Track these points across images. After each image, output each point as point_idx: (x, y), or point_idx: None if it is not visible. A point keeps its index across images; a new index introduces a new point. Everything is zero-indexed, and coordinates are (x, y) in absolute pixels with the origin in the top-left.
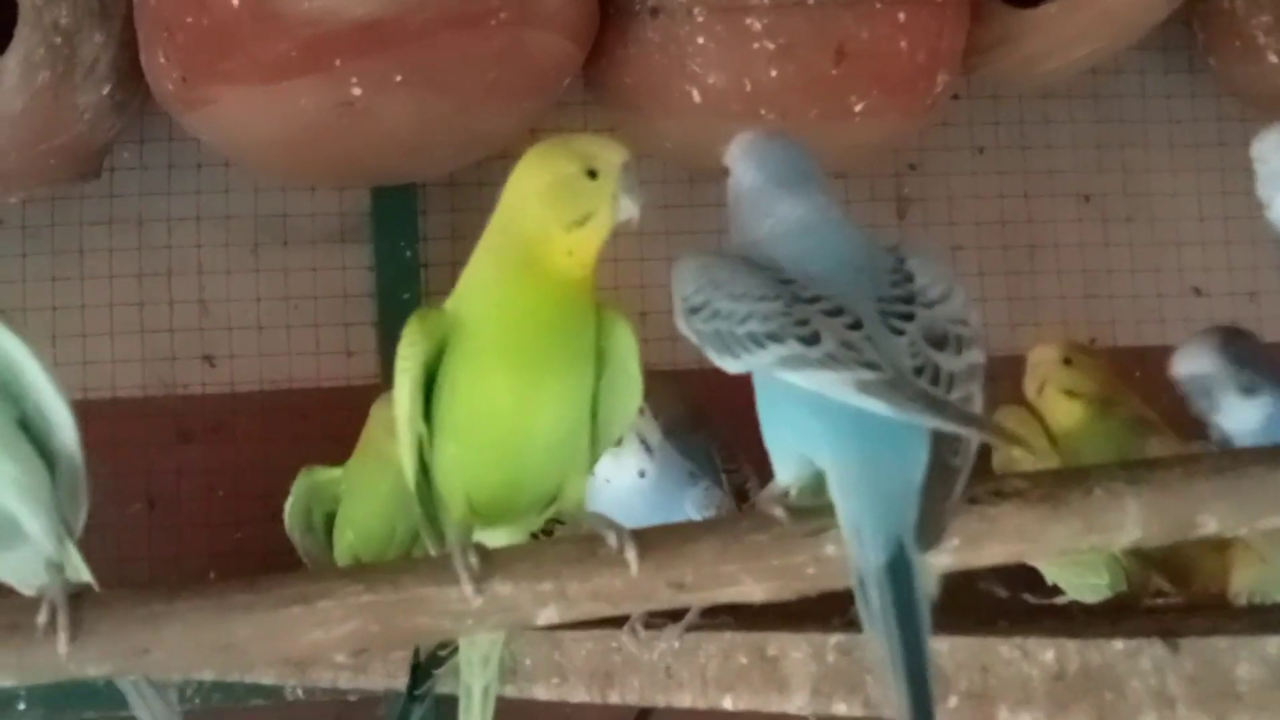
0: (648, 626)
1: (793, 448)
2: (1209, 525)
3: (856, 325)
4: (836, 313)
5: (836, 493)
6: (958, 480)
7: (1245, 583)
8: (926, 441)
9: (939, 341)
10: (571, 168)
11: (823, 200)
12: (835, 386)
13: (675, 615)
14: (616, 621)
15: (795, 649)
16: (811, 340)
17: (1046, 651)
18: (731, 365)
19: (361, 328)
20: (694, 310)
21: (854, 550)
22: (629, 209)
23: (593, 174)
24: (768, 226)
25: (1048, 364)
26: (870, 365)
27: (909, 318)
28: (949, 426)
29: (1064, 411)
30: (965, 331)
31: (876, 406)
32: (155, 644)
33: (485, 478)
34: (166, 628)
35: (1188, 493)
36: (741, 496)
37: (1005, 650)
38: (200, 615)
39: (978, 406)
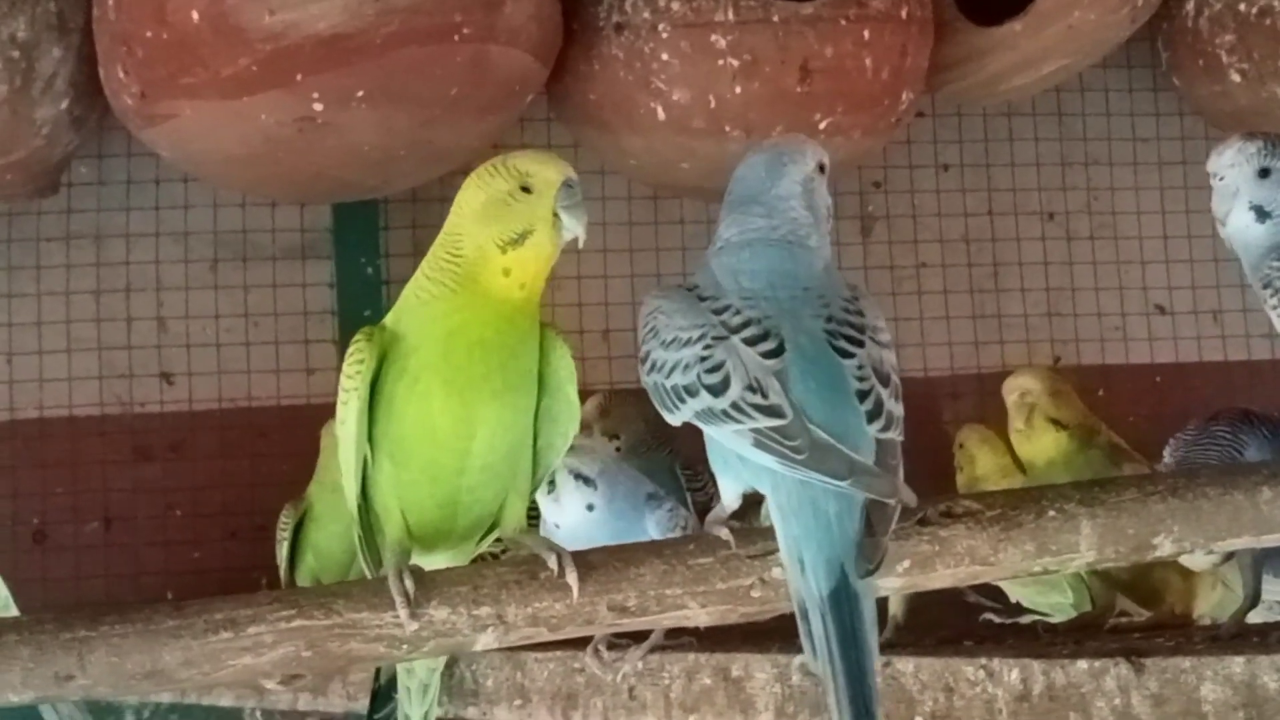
0: (611, 647)
1: (737, 473)
2: (1164, 547)
3: (778, 350)
4: (760, 339)
5: (776, 518)
6: (893, 515)
7: (1208, 606)
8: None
9: (884, 380)
10: (506, 185)
11: (764, 221)
12: (735, 440)
13: (639, 636)
14: (579, 642)
15: (760, 670)
16: (720, 389)
17: (1011, 672)
18: (670, 418)
19: (322, 345)
20: (642, 362)
21: (795, 578)
22: (572, 229)
23: (527, 191)
24: (718, 245)
25: (1035, 394)
26: (770, 410)
27: (859, 344)
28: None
29: (1051, 441)
30: (899, 385)
31: (768, 463)
32: (79, 670)
33: (422, 499)
34: (91, 653)
35: (1143, 514)
36: (706, 513)
37: (970, 671)
38: (126, 641)
39: (898, 458)
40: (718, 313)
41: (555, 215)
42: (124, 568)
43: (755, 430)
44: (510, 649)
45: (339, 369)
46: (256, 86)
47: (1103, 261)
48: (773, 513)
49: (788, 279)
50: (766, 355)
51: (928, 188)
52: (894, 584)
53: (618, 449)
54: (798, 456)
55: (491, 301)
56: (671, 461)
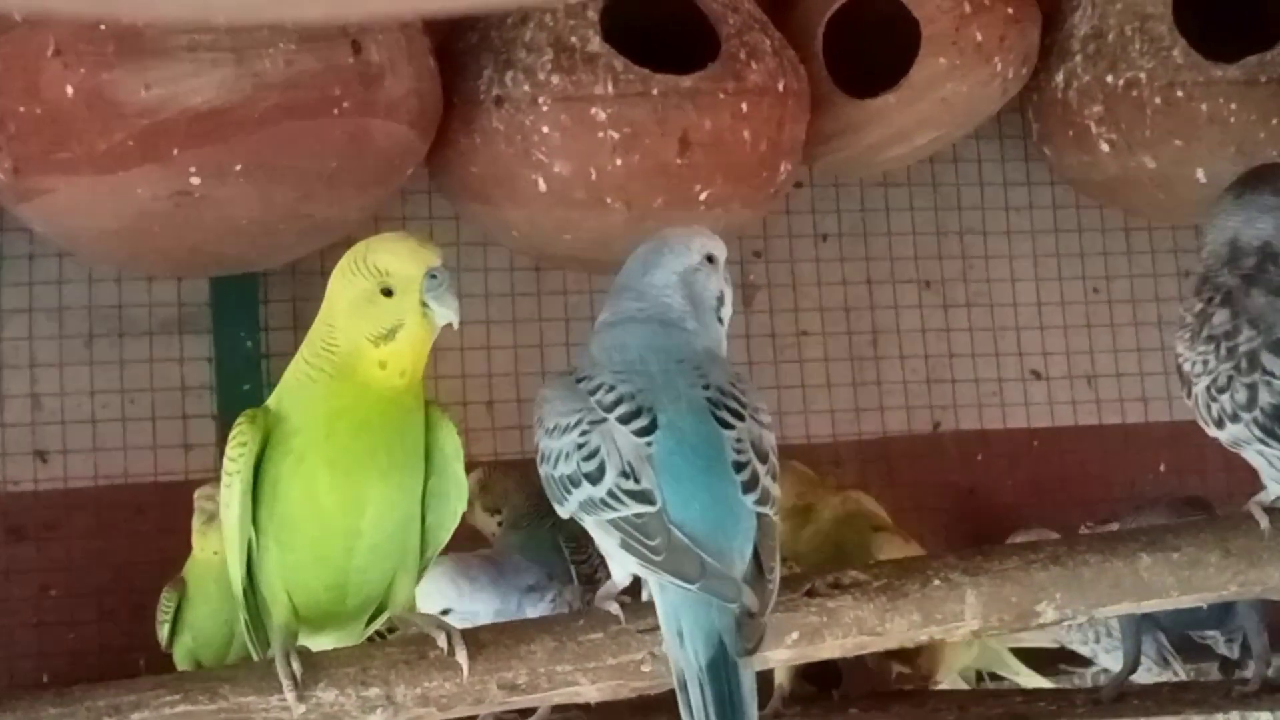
0: None
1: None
2: (1048, 614)
3: (650, 427)
4: (633, 415)
5: (655, 591)
6: (770, 597)
7: (965, 661)
8: (749, 548)
9: (762, 457)
10: (367, 285)
11: (634, 305)
12: (605, 539)
13: (526, 711)
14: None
15: None
16: (597, 476)
17: None
18: (561, 511)
19: (200, 421)
20: (536, 454)
21: (674, 649)
22: (444, 316)
23: (388, 293)
24: (596, 329)
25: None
26: (641, 496)
27: (740, 417)
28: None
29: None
30: (777, 466)
31: (633, 564)
32: None
33: (309, 580)
34: None
35: (1026, 582)
36: (592, 586)
37: None
38: None
39: (775, 538)
40: (593, 392)
41: (424, 304)
42: None
43: (622, 521)
44: None
45: (218, 444)
46: (132, 161)
47: (979, 328)
48: (652, 586)
49: (660, 352)
50: (639, 433)
51: (807, 257)
52: (783, 655)
53: (499, 524)
54: (655, 558)
55: (372, 390)
56: (554, 534)
